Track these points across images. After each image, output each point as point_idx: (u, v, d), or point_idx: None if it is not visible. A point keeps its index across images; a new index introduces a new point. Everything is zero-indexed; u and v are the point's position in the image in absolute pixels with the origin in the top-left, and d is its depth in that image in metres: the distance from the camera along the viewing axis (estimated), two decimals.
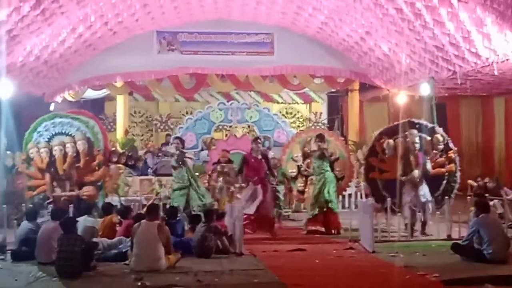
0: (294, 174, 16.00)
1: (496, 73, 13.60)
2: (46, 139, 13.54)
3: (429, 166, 12.66)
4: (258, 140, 13.67)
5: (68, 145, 13.32)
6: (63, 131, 13.61)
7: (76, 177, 13.26)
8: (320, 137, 13.73)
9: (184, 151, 14.34)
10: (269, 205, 13.20)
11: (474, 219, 10.18)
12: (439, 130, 13.61)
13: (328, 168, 13.50)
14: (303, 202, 15.93)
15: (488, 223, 9.88)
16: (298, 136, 16.90)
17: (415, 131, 12.86)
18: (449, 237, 11.96)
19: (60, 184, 13.27)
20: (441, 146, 13.10)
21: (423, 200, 12.45)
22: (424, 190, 12.54)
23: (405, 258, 10.19)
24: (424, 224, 12.47)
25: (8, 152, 14.21)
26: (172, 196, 13.89)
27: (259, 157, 13.21)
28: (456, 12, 12.20)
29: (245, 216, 12.17)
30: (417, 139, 12.73)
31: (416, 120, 13.56)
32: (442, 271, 8.98)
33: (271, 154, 15.86)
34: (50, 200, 12.91)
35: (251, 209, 12.74)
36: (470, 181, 16.16)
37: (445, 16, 12.71)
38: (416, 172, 12.46)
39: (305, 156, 15.77)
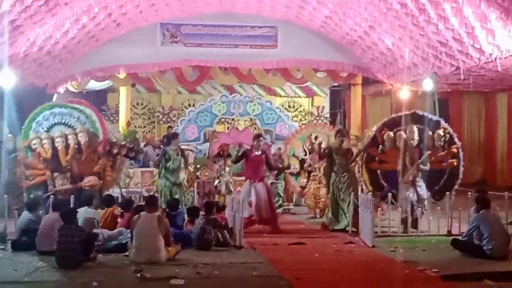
0: (297, 170, 15.99)
1: (499, 69, 13.60)
2: (45, 129, 13.47)
3: (427, 164, 12.63)
4: (260, 137, 13.50)
5: (70, 136, 13.26)
6: (63, 121, 13.52)
7: (78, 169, 13.23)
8: (341, 132, 13.52)
9: (186, 147, 14.38)
10: (271, 202, 13.15)
11: (474, 215, 10.17)
12: (444, 124, 13.52)
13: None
14: (304, 196, 15.95)
15: (488, 219, 9.87)
16: (298, 133, 16.89)
17: (414, 127, 12.80)
18: (449, 233, 11.97)
19: (61, 175, 13.23)
20: (441, 142, 13.02)
21: (421, 197, 12.44)
22: (422, 186, 12.53)
23: (405, 253, 10.20)
24: (415, 220, 12.40)
25: (9, 135, 14.22)
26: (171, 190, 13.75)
27: (259, 153, 13.18)
28: (460, 7, 12.18)
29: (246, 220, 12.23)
30: (416, 135, 12.70)
31: (420, 112, 13.47)
32: (442, 266, 8.98)
33: (274, 148, 15.82)
34: (50, 193, 12.83)
35: (245, 213, 12.63)
36: None
37: (449, 11, 12.69)
38: (409, 174, 12.45)
39: (308, 151, 15.75)
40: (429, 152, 12.77)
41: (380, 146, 13.19)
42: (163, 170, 13.38)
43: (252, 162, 13.06)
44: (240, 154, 13.63)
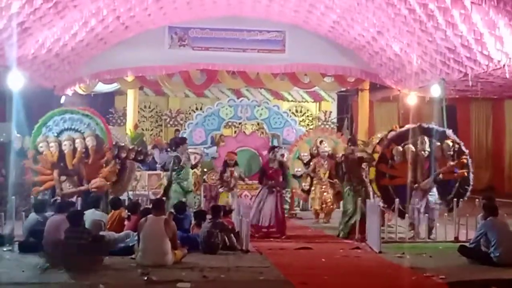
0: (300, 173, 15.97)
1: (507, 76, 13.53)
2: (55, 134, 13.46)
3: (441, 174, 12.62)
4: (275, 149, 13.43)
5: (77, 140, 13.22)
6: (73, 127, 13.49)
7: (85, 173, 13.23)
8: (353, 141, 13.39)
9: (193, 151, 14.37)
10: (282, 210, 13.13)
11: (482, 222, 10.14)
12: (450, 134, 13.46)
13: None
14: (307, 201, 15.93)
15: (496, 226, 9.85)
16: (305, 136, 16.86)
17: (425, 139, 12.72)
18: (456, 239, 11.94)
19: (68, 179, 13.24)
20: (451, 152, 12.93)
21: (430, 206, 12.41)
22: (433, 196, 12.50)
23: (412, 259, 10.19)
24: (430, 229, 12.40)
25: (17, 135, 14.25)
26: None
27: (276, 166, 13.09)
28: (469, 14, 12.15)
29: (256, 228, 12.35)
30: (427, 146, 12.60)
31: (426, 125, 13.37)
32: (449, 273, 8.96)
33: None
34: (56, 198, 12.83)
35: (261, 220, 12.69)
36: None
37: (458, 18, 12.66)
38: (427, 182, 12.41)
39: (312, 156, 15.74)
40: (452, 163, 12.71)
41: (389, 161, 13.06)
42: (176, 175, 13.42)
43: (270, 177, 13.01)
44: (260, 172, 13.57)
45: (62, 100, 18.89)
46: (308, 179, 15.81)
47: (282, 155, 15.81)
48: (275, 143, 18.64)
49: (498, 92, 19.76)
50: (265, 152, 17.58)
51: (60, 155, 13.19)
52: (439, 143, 12.84)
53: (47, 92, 17.71)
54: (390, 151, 12.94)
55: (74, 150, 13.20)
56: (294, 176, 15.95)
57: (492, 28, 11.94)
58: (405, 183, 12.64)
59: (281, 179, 13.10)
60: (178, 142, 14.21)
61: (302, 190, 16.01)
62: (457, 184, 13.02)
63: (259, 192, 13.04)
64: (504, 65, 12.81)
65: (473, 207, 12.31)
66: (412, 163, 12.61)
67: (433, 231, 12.37)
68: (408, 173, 12.58)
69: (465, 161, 13.07)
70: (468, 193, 13.07)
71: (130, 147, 14.57)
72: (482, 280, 8.56)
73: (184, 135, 18.02)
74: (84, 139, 13.20)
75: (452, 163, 12.83)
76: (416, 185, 12.46)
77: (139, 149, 15.26)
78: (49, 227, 10.05)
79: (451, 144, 12.91)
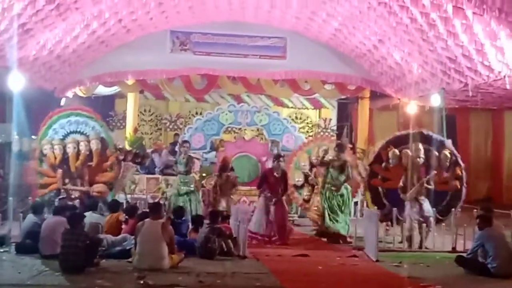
0: (301, 182, 15.93)
1: (508, 87, 13.56)
2: (61, 137, 13.51)
3: (431, 182, 12.61)
4: (280, 158, 13.50)
5: (81, 143, 13.29)
6: (78, 130, 13.56)
7: (88, 176, 13.26)
8: (340, 147, 13.57)
9: (193, 155, 14.35)
10: (285, 217, 13.25)
11: (479, 233, 10.13)
12: (449, 145, 13.46)
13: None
14: (308, 210, 15.90)
15: (493, 237, 9.84)
16: (305, 145, 16.84)
17: (421, 146, 12.75)
18: (453, 250, 11.92)
19: (71, 181, 13.28)
20: (447, 163, 12.97)
21: (426, 214, 12.40)
22: (427, 205, 12.48)
23: (409, 269, 10.16)
24: (422, 239, 12.38)
25: (16, 137, 14.24)
26: (176, 199, 13.70)
27: (279, 174, 13.17)
28: (471, 24, 12.16)
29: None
30: (422, 153, 12.64)
31: (426, 132, 13.42)
32: (446, 283, 8.96)
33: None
34: (61, 196, 12.86)
35: (259, 228, 12.78)
36: None
37: (459, 28, 12.67)
38: (413, 192, 12.41)
39: (312, 165, 15.72)
40: (435, 172, 12.74)
41: (384, 163, 13.11)
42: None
43: (271, 184, 13.10)
44: (261, 177, 13.72)
45: (62, 102, 18.88)
46: (309, 188, 15.72)
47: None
48: (274, 150, 18.64)
49: (498, 103, 19.77)
50: (264, 158, 17.63)
51: (63, 157, 13.23)
52: (437, 153, 12.88)
53: (47, 93, 17.71)
54: (386, 153, 12.99)
55: (78, 152, 13.24)
56: (295, 186, 15.90)
57: (493, 38, 11.95)
58: (396, 187, 12.67)
59: (281, 188, 13.15)
60: (179, 143, 14.11)
61: (304, 200, 15.94)
62: (448, 197, 13.05)
63: (261, 200, 13.09)
64: (504, 76, 12.83)
65: (471, 218, 12.29)
66: (406, 169, 12.63)
67: (426, 240, 12.35)
68: (401, 178, 12.61)
69: (459, 173, 13.10)
70: (458, 207, 13.04)
71: (128, 149, 14.55)
72: None
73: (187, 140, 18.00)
74: (88, 142, 13.25)
75: (446, 174, 12.87)
76: (403, 195, 12.49)
77: (137, 151, 15.25)
78: (45, 229, 10.05)
79: (449, 155, 12.95)
